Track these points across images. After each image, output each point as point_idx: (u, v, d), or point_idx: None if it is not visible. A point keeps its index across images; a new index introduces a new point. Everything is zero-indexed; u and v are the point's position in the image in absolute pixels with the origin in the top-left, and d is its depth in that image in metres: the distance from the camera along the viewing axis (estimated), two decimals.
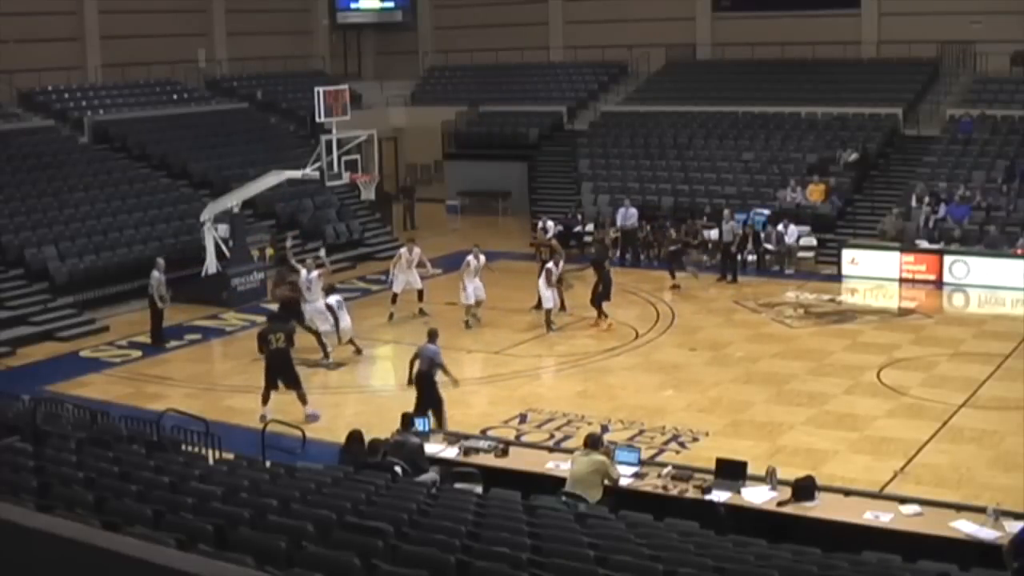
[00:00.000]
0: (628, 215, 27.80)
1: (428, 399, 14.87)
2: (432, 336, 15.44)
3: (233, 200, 24.45)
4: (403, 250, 22.85)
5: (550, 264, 21.33)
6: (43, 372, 19.19)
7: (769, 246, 26.41)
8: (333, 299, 19.44)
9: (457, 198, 35.37)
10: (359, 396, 18.06)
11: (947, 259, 24.36)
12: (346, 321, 19.45)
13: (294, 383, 16.37)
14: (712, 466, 11.86)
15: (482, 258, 21.96)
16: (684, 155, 31.47)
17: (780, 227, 26.38)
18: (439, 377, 15.12)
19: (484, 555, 7.69)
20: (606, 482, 11.39)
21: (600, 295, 21.38)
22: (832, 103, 31.56)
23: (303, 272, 19.60)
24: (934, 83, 32.15)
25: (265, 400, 16.18)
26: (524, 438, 15.02)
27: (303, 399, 16.28)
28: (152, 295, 20.68)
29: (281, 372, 16.37)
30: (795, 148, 30.54)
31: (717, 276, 25.33)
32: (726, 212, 26.21)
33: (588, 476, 11.32)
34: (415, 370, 15.09)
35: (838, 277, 25.30)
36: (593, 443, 11.75)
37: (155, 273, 20.79)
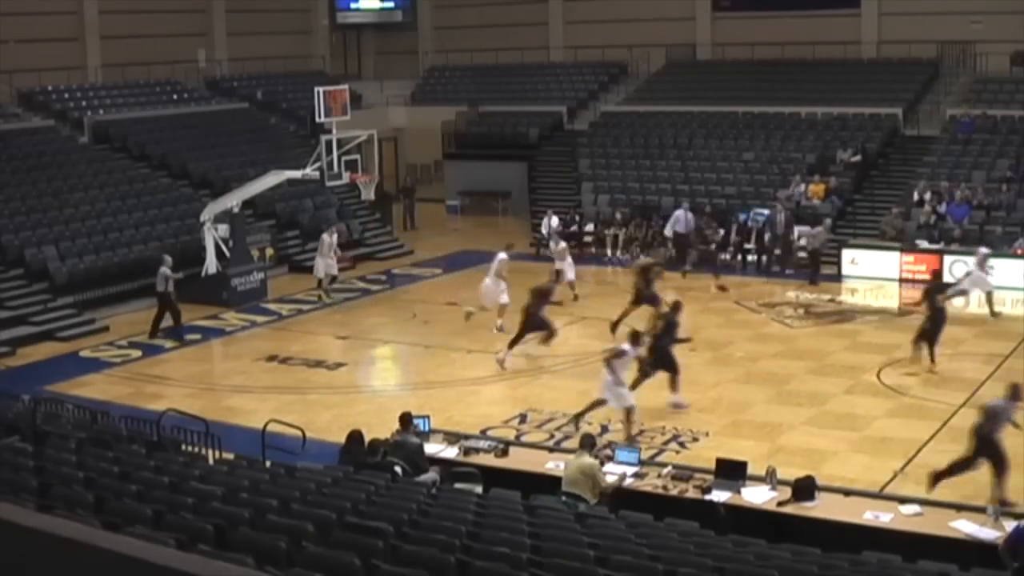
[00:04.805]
0: (686, 220, 26.77)
1: (997, 462, 12.30)
2: (1016, 392, 12.79)
3: (233, 200, 24.44)
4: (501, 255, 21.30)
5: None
6: (43, 372, 19.16)
7: (767, 234, 26.39)
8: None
9: (457, 198, 35.36)
10: (360, 396, 18.04)
11: (947, 259, 24.32)
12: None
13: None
14: (712, 466, 11.87)
15: (501, 256, 21.07)
16: (684, 155, 31.45)
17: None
18: None
19: (484, 555, 7.69)
20: (595, 489, 11.36)
21: (927, 331, 18.06)
22: (832, 103, 31.54)
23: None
24: (934, 83, 32.13)
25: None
26: (524, 438, 15.01)
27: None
28: (164, 291, 20.96)
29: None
30: (795, 148, 30.51)
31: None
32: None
33: (578, 479, 11.33)
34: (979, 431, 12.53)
35: (838, 277, 25.29)
36: (587, 444, 11.78)
37: (165, 270, 21.08)
